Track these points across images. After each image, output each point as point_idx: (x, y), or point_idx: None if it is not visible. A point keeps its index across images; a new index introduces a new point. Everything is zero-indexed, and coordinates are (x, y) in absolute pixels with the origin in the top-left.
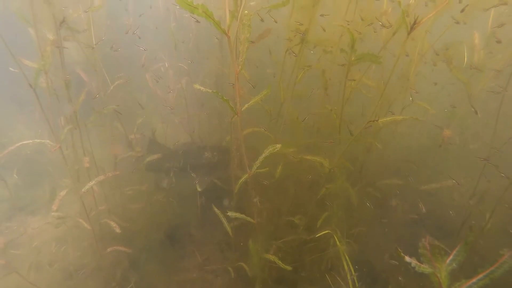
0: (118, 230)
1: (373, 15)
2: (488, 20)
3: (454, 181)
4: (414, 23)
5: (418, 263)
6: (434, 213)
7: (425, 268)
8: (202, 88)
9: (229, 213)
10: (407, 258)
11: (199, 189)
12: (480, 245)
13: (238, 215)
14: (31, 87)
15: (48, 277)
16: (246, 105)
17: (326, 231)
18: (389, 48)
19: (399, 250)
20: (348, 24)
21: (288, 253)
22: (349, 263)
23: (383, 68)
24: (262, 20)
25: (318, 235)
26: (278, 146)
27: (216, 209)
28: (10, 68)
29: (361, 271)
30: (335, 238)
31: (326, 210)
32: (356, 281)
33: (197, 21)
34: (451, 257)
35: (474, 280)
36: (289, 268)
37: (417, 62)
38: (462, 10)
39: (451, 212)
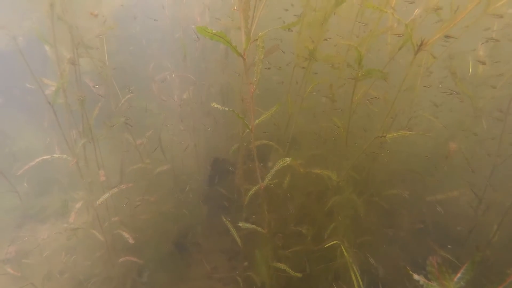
0: (131, 241)
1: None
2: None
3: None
4: (421, 44)
5: (426, 281)
6: (441, 222)
7: (433, 286)
8: (219, 106)
9: (241, 224)
10: (416, 276)
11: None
12: (487, 255)
13: (249, 225)
14: (49, 104)
15: (58, 286)
16: (257, 120)
17: (334, 242)
18: (395, 59)
19: (407, 268)
20: (357, 37)
21: (296, 262)
22: (357, 273)
23: (390, 80)
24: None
25: (327, 245)
26: (288, 159)
27: (225, 220)
28: (27, 85)
29: (368, 281)
30: (342, 248)
31: (334, 220)
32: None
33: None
34: (458, 275)
35: None
36: (299, 275)
37: (423, 74)
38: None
39: (457, 222)
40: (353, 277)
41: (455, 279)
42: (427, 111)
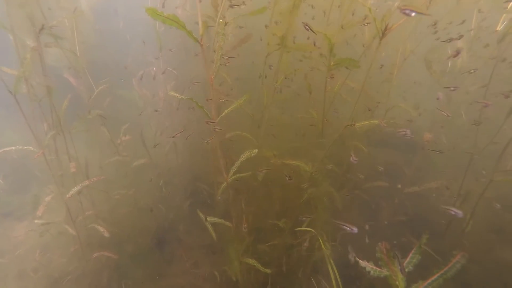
0: (106, 235)
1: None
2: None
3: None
4: (385, 29)
5: (374, 267)
6: (420, 214)
7: (380, 271)
8: (177, 94)
9: (208, 218)
10: (361, 263)
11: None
12: (465, 246)
13: (216, 220)
14: (11, 93)
15: (32, 285)
16: (226, 111)
17: (309, 229)
18: (377, 51)
19: (354, 255)
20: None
21: (274, 256)
22: (333, 266)
23: (371, 72)
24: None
25: (299, 229)
26: (255, 151)
27: (201, 214)
28: None
29: (346, 274)
30: (320, 241)
31: (311, 213)
32: (340, 284)
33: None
34: (407, 259)
35: (429, 281)
36: (268, 271)
37: (400, 65)
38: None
39: (436, 214)
40: (330, 270)
41: (404, 264)
42: (408, 102)
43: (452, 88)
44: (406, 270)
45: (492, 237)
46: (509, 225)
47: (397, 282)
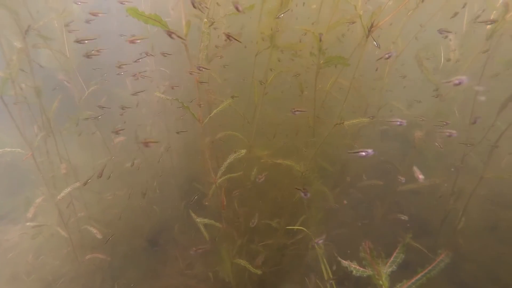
0: (99, 236)
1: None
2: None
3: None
4: (371, 26)
5: (357, 267)
6: (414, 212)
7: (364, 271)
8: (162, 95)
9: (198, 219)
10: (344, 262)
11: None
12: (460, 244)
13: (207, 221)
14: None
15: None
16: (214, 111)
17: (300, 227)
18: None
19: (337, 255)
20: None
21: (268, 256)
22: (327, 265)
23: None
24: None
25: (290, 228)
26: (243, 151)
27: (193, 214)
28: None
29: (340, 273)
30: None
31: (304, 213)
32: (334, 284)
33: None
34: (391, 259)
35: (413, 280)
36: (258, 272)
37: (391, 63)
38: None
39: (431, 212)
40: (324, 269)
41: (388, 263)
42: (402, 101)
43: None
44: (390, 269)
45: (486, 234)
46: (502, 222)
47: (380, 282)
